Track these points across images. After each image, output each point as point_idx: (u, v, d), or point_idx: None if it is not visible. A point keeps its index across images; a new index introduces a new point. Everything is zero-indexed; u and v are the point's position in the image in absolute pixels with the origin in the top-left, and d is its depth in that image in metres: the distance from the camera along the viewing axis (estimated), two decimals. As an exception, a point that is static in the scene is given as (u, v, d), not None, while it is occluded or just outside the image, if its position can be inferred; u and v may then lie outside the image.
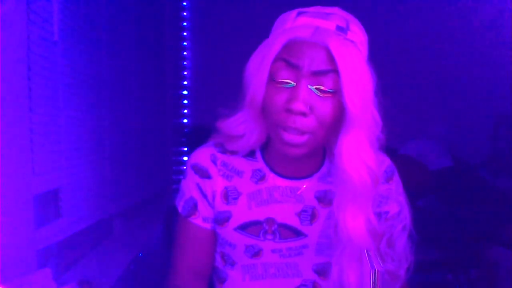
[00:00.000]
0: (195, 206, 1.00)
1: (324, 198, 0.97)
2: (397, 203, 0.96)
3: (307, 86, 0.84)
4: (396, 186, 1.00)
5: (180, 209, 1.01)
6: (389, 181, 0.98)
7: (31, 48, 1.39)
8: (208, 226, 1.00)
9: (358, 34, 0.88)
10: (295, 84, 0.85)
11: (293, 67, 0.84)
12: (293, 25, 0.87)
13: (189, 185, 1.00)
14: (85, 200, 1.87)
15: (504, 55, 3.33)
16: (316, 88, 0.84)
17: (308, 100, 0.84)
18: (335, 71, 0.83)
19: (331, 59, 0.83)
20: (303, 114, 0.84)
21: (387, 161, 0.99)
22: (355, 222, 0.88)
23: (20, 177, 1.33)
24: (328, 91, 0.84)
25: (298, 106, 0.83)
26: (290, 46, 0.85)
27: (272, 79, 0.86)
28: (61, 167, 1.63)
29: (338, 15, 0.87)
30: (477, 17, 3.47)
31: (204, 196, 0.99)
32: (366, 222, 0.89)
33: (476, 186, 2.53)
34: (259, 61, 0.87)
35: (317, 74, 0.84)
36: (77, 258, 1.87)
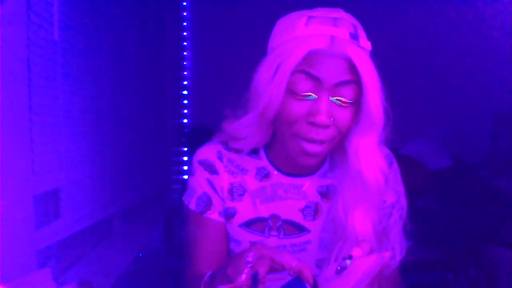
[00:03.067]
0: (209, 202, 1.00)
1: (326, 193, 0.99)
2: (395, 192, 0.98)
3: (329, 98, 0.85)
4: (394, 175, 1.00)
5: (193, 206, 1.01)
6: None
7: (31, 48, 1.39)
8: (222, 219, 1.01)
9: (365, 39, 0.89)
10: (316, 96, 0.85)
11: (314, 79, 0.84)
12: (306, 33, 0.85)
13: (200, 182, 1.01)
14: (85, 200, 1.87)
15: (504, 55, 3.34)
16: (337, 99, 0.85)
17: (330, 112, 0.85)
18: (355, 81, 0.84)
19: (351, 69, 0.84)
20: (327, 126, 0.85)
21: (385, 151, 1.00)
22: (363, 222, 0.90)
23: (20, 177, 1.33)
24: (349, 102, 0.86)
25: (323, 119, 0.84)
26: (309, 58, 0.84)
27: (290, 91, 0.86)
28: (61, 167, 1.63)
29: (345, 20, 0.87)
30: (477, 17, 3.47)
31: (215, 191, 1.00)
32: (373, 222, 0.91)
33: (476, 186, 2.52)
34: (273, 71, 0.86)
35: (338, 85, 0.85)
36: (77, 258, 1.87)
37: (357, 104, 0.86)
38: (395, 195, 0.97)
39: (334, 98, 0.85)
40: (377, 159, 0.89)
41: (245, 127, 0.94)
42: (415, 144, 2.77)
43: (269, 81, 0.87)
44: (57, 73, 1.60)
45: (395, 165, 1.02)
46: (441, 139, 3.00)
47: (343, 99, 0.85)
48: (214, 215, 1.00)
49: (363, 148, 0.89)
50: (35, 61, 1.42)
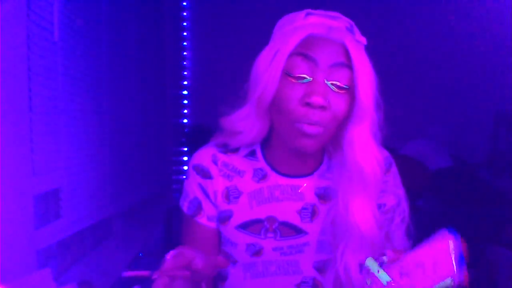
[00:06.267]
0: (199, 206, 1.01)
1: (324, 195, 0.98)
2: (395, 196, 0.97)
3: (324, 81, 0.86)
4: (393, 179, 1.00)
5: (185, 209, 1.02)
6: (386, 173, 0.99)
7: (31, 48, 1.39)
8: (213, 224, 1.01)
9: (360, 36, 0.92)
10: (311, 79, 0.86)
11: (311, 60, 0.86)
12: (305, 23, 0.89)
13: (192, 186, 1.02)
14: (85, 200, 1.87)
15: (504, 55, 3.34)
16: (332, 83, 0.87)
17: (326, 95, 0.86)
18: (349, 66, 0.86)
19: (346, 55, 0.86)
20: (323, 108, 0.86)
21: (385, 153, 1.00)
22: (364, 213, 0.90)
23: (20, 177, 1.34)
24: (344, 87, 0.87)
25: (318, 100, 0.85)
26: (307, 41, 0.87)
27: (287, 74, 0.87)
28: (61, 167, 1.63)
29: (342, 18, 0.91)
30: (477, 17, 3.47)
31: (207, 196, 1.00)
32: (373, 212, 0.91)
33: (476, 186, 2.53)
34: (271, 56, 0.88)
35: (333, 67, 0.86)
36: (77, 258, 1.87)
37: (352, 93, 0.88)
38: (395, 199, 0.97)
39: (330, 82, 0.86)
40: (372, 149, 0.90)
41: (242, 119, 0.95)
42: (415, 144, 2.77)
43: (267, 67, 0.88)
44: (57, 73, 1.60)
45: (394, 168, 1.01)
46: (441, 139, 3.00)
47: (338, 83, 0.86)
48: (203, 219, 1.01)
49: (358, 137, 0.90)
50: (35, 61, 1.42)
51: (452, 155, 2.76)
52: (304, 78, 0.86)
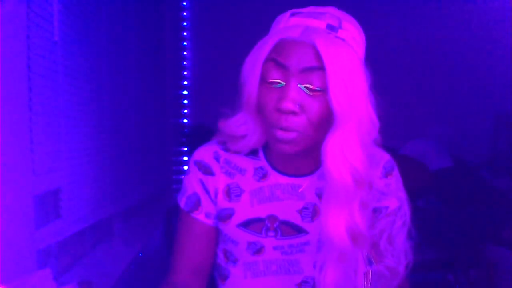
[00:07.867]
0: (198, 202, 1.01)
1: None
2: (397, 199, 0.97)
3: (297, 85, 0.85)
4: (395, 181, 1.00)
5: (182, 204, 1.02)
6: (388, 176, 0.98)
7: (31, 48, 1.39)
8: (210, 222, 1.01)
9: (351, 31, 0.87)
10: (285, 83, 0.86)
11: (282, 66, 0.86)
12: (285, 25, 0.88)
13: (192, 181, 1.01)
14: (85, 200, 1.87)
15: (504, 55, 3.34)
16: (305, 87, 0.85)
17: (298, 99, 0.85)
18: (322, 68, 0.84)
19: (319, 56, 0.84)
20: (294, 113, 0.85)
21: (386, 157, 1.00)
22: (335, 223, 0.87)
23: (20, 177, 1.33)
24: (317, 90, 0.85)
25: (288, 105, 0.84)
26: (280, 46, 0.86)
27: (263, 79, 0.88)
28: (61, 167, 1.63)
29: (330, 14, 0.87)
30: (477, 17, 3.47)
31: (207, 192, 1.00)
32: (348, 224, 0.87)
33: (476, 186, 2.53)
34: (252, 62, 0.89)
35: (305, 72, 0.85)
36: (77, 258, 1.87)
37: (327, 94, 0.85)
38: (397, 202, 0.97)
39: (303, 85, 0.85)
40: (347, 157, 0.85)
41: (241, 125, 0.95)
42: (415, 144, 2.77)
43: (249, 72, 0.89)
44: (57, 73, 1.60)
45: (396, 171, 1.01)
46: (441, 139, 3.00)
47: (311, 86, 0.85)
48: (201, 215, 1.00)
49: (331, 145, 0.86)
50: (35, 61, 1.42)
51: (452, 155, 2.75)
52: (278, 83, 0.86)
